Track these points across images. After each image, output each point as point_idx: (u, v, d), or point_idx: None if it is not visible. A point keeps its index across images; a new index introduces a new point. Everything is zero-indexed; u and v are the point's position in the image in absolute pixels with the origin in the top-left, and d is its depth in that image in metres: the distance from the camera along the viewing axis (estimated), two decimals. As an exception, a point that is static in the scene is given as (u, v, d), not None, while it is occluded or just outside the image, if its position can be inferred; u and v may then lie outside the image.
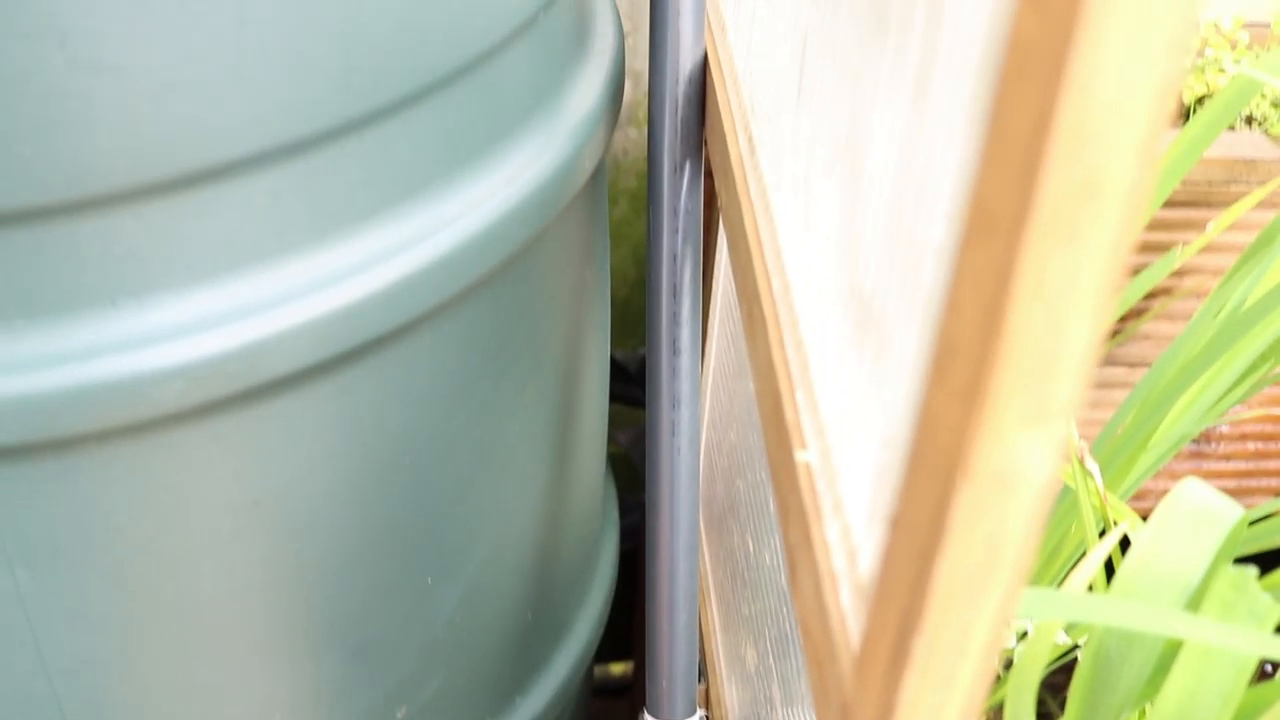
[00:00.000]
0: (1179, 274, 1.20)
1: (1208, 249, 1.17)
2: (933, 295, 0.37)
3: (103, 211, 0.59)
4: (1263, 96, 1.17)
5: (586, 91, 0.79)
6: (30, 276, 0.60)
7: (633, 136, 1.47)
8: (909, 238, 0.42)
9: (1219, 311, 1.00)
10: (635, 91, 1.43)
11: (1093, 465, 0.72)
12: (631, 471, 1.53)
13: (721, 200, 0.73)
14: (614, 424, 1.30)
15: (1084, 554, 0.80)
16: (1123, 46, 0.28)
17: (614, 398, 1.28)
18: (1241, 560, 0.79)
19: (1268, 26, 1.24)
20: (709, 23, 0.79)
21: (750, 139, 0.67)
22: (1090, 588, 0.71)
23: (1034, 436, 0.33)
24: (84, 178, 0.58)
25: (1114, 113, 0.28)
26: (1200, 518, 0.60)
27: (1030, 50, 0.29)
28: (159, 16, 0.56)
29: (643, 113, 1.46)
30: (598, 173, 0.85)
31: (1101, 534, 0.76)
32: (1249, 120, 1.16)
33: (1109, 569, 0.79)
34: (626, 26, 1.41)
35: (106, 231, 0.60)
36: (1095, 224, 0.29)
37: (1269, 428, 1.31)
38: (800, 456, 0.51)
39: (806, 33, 0.55)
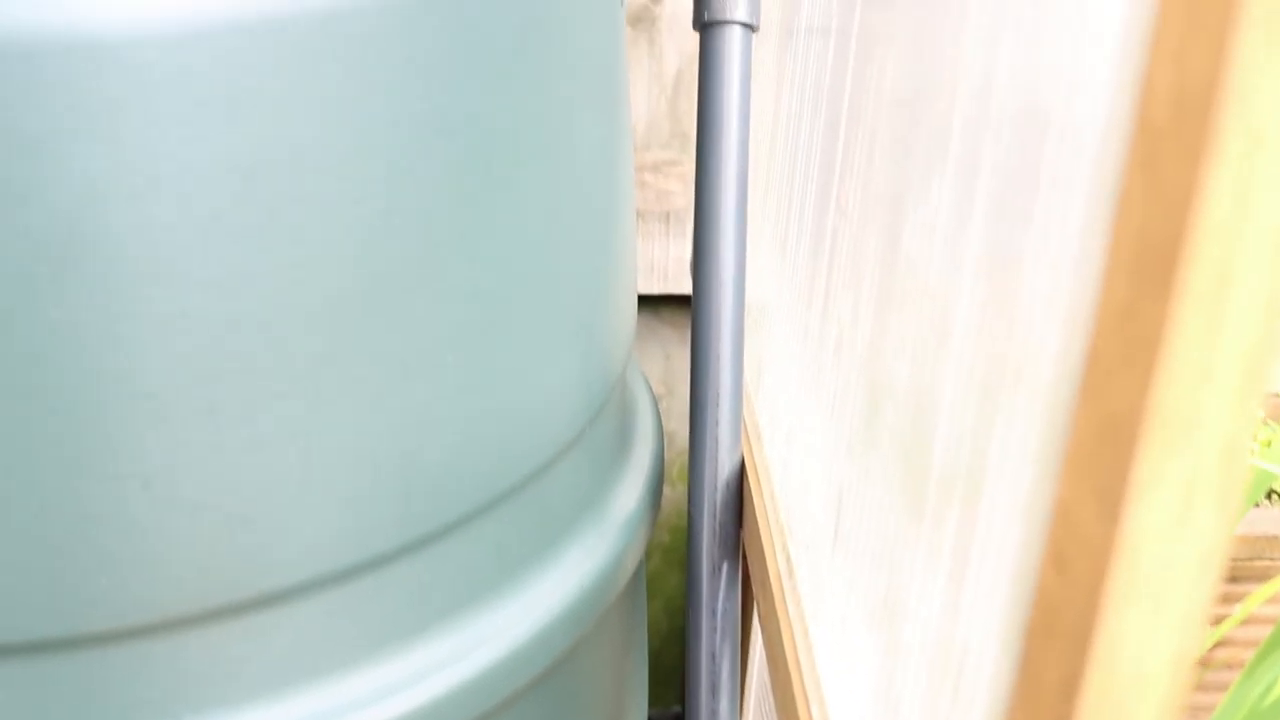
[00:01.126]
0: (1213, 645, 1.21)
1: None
2: (973, 795, 0.39)
3: (168, 634, 0.62)
4: (1282, 470, 1.20)
5: (628, 495, 0.82)
6: (95, 694, 0.62)
7: (666, 494, 1.51)
8: (948, 723, 0.44)
9: (1253, 688, 1.01)
10: (669, 451, 1.47)
11: None
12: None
13: (760, 610, 0.75)
14: (647, 787, 1.28)
15: None
16: (1144, 621, 0.30)
17: (647, 761, 1.28)
18: None
19: (1282, 398, 1.28)
20: (745, 430, 0.83)
21: (789, 559, 0.70)
22: None
23: None
24: (154, 606, 0.60)
25: (1137, 684, 0.31)
26: None
27: (1057, 613, 0.32)
28: (234, 456, 0.59)
29: (675, 471, 1.50)
30: (638, 569, 0.87)
31: None
32: (1269, 494, 1.19)
33: None
34: (660, 390, 1.46)
35: (170, 652, 0.62)
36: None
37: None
38: None
39: (842, 488, 0.58)
